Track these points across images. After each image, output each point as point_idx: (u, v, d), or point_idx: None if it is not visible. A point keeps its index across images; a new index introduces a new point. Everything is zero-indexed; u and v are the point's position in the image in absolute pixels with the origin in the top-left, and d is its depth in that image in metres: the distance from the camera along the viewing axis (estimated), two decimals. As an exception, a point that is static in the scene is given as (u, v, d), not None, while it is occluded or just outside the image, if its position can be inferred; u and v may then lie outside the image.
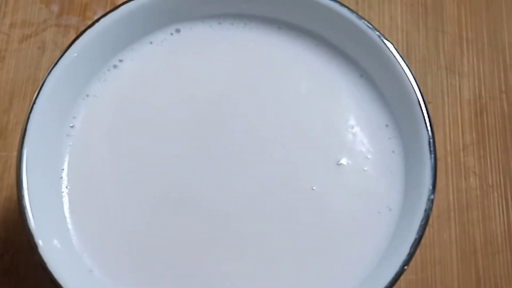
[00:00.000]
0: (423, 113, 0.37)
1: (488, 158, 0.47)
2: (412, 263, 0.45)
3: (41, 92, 0.38)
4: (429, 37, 0.50)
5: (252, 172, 0.39)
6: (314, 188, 0.38)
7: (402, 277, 0.43)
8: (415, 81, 0.38)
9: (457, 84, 0.49)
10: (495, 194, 0.46)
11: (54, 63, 0.38)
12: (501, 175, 0.47)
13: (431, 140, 0.36)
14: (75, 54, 0.38)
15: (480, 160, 0.47)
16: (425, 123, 0.37)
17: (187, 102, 0.40)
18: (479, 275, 0.44)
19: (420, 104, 0.37)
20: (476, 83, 0.49)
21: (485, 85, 0.49)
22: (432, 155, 0.36)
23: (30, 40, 0.51)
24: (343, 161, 0.39)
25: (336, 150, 0.39)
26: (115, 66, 0.41)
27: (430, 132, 0.37)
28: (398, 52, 0.38)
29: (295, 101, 0.40)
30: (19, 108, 0.49)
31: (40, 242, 0.35)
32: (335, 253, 0.37)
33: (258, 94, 0.40)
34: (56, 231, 0.37)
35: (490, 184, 0.47)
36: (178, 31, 0.42)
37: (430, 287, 0.44)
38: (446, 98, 0.49)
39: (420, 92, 0.37)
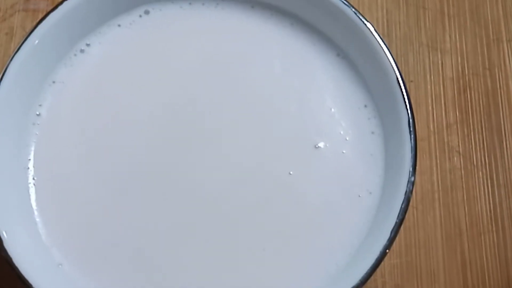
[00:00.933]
0: (402, 92, 0.36)
1: (472, 137, 0.46)
2: (396, 247, 0.44)
3: (4, 79, 0.36)
4: (409, 14, 0.49)
5: (225, 157, 0.37)
6: (291, 172, 0.37)
7: (386, 261, 0.42)
8: (393, 59, 0.36)
9: (440, 62, 0.48)
10: (480, 173, 0.45)
11: (16, 49, 0.37)
12: (486, 154, 0.45)
13: (411, 120, 0.35)
14: (38, 39, 0.37)
15: (464, 139, 0.46)
16: (404, 103, 0.35)
17: (157, 86, 0.39)
18: (465, 257, 0.43)
19: (399, 83, 0.36)
20: (459, 60, 0.48)
21: (468, 61, 0.48)
22: (412, 136, 0.35)
23: (-3, 26, 0.49)
24: (321, 144, 0.37)
25: (313, 133, 0.38)
26: (82, 51, 0.39)
27: (409, 112, 0.35)
28: (375, 29, 0.37)
29: (269, 82, 0.39)
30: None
31: (5, 234, 0.33)
32: (314, 238, 0.36)
33: (230, 75, 0.39)
34: (23, 224, 0.35)
35: (475, 163, 0.45)
36: (147, 12, 0.40)
37: (414, 270, 0.43)
38: (428, 76, 0.47)
39: (399, 71, 0.36)
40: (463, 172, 0.45)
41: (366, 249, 0.34)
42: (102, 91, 0.39)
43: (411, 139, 0.35)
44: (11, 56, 0.37)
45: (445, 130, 0.46)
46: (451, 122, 0.46)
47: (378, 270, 0.42)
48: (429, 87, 0.47)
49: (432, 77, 0.47)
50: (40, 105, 0.38)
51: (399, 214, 0.33)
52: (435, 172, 0.45)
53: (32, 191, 0.37)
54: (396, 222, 0.33)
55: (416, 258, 0.43)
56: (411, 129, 0.35)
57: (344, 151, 0.37)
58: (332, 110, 0.38)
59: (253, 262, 0.36)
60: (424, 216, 0.44)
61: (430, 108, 0.47)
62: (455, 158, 0.45)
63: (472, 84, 0.47)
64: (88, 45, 0.39)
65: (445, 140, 0.46)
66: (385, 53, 0.36)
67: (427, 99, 0.47)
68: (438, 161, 0.45)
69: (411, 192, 0.34)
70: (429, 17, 0.49)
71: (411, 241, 0.44)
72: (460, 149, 0.46)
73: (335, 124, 0.38)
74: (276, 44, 0.40)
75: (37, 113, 0.38)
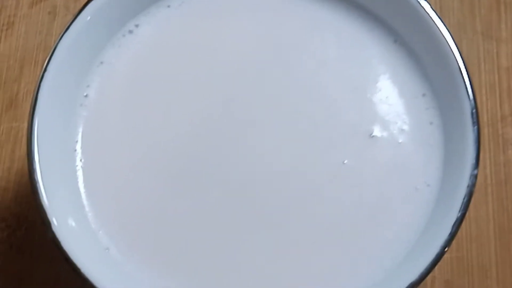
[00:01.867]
0: (464, 81, 0.34)
1: (528, 129, 0.44)
2: (446, 241, 0.42)
3: (52, 59, 0.35)
4: (464, 1, 0.47)
5: (277, 145, 0.36)
6: (345, 162, 0.36)
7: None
8: (456, 45, 0.35)
9: (494, 50, 0.46)
10: (536, 167, 0.44)
11: (65, 28, 0.36)
12: (542, 147, 0.44)
13: (474, 110, 0.34)
14: (88, 18, 0.36)
15: (519, 131, 0.44)
16: (467, 92, 0.34)
17: (206, 69, 0.38)
18: (519, 253, 0.42)
19: (461, 71, 0.34)
20: (515, 49, 0.46)
21: (524, 51, 0.46)
22: (475, 127, 0.33)
23: (40, 5, 0.49)
24: (377, 133, 0.36)
25: (369, 122, 0.36)
26: (130, 31, 0.38)
27: (472, 101, 0.34)
28: (436, 14, 0.35)
29: (323, 69, 0.38)
30: (30, 76, 0.47)
31: (54, 219, 0.33)
32: (368, 232, 0.35)
33: (282, 61, 0.38)
34: (70, 207, 0.35)
35: (530, 157, 0.44)
36: (198, -8, 0.39)
37: (466, 265, 0.42)
38: (482, 65, 0.46)
39: (462, 58, 0.34)
40: (518, 165, 0.44)
41: (424, 244, 0.33)
42: (150, 73, 0.38)
43: (474, 130, 0.33)
44: (61, 34, 0.36)
45: (499, 122, 0.45)
46: (506, 113, 0.45)
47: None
48: (483, 76, 0.46)
49: (486, 67, 0.46)
50: (88, 86, 0.37)
51: (461, 208, 0.32)
52: (489, 165, 0.44)
53: (79, 173, 0.36)
54: (457, 217, 0.32)
55: (468, 253, 0.42)
56: (475, 119, 0.33)
57: (400, 141, 0.36)
58: (388, 98, 0.37)
59: (303, 257, 0.34)
60: (476, 210, 0.43)
61: (484, 98, 0.45)
62: (510, 151, 0.44)
63: (528, 75, 0.45)
64: (137, 25, 0.38)
65: (500, 132, 0.44)
66: (446, 39, 0.35)
67: (480, 89, 0.45)
68: (491, 154, 0.44)
69: (473, 185, 0.32)
70: (484, 4, 0.47)
71: (462, 235, 0.42)
72: (515, 142, 0.44)
73: (392, 113, 0.36)
74: (331, 29, 0.38)
75: (85, 94, 0.37)
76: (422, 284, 0.40)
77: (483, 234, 0.42)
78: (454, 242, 0.42)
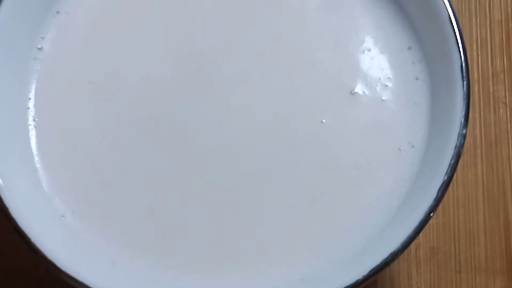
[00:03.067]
0: (454, 32, 0.31)
1: (521, 87, 0.42)
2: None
3: (1, 7, 0.32)
4: None
5: (251, 101, 0.33)
6: (323, 121, 0.33)
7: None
8: (445, -9, 0.32)
9: (487, 2, 0.43)
10: (529, 127, 0.41)
11: (15, -28, 0.32)
12: (536, 107, 0.41)
13: (464, 64, 0.31)
14: (41, -39, 0.33)
15: (511, 89, 0.42)
16: (457, 44, 0.31)
17: (175, 20, 0.35)
18: (508, 219, 0.40)
19: (451, 21, 0.31)
20: (509, 0, 0.43)
21: (519, 3, 0.43)
22: (465, 82, 0.31)
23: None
24: (358, 89, 0.33)
25: (350, 77, 0.34)
26: (90, -22, 0.35)
27: (462, 54, 0.31)
28: (423, -42, 0.32)
29: (301, 19, 0.35)
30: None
31: (1, 182, 0.30)
32: (348, 196, 0.32)
33: (258, 10, 0.35)
34: (21, 170, 0.32)
35: (523, 116, 0.41)
36: None
37: (452, 232, 0.39)
38: (473, 18, 0.43)
39: (451, 6, 0.31)
40: (509, 125, 0.41)
41: (407, 209, 0.31)
42: (111, 24, 0.35)
43: (463, 86, 0.30)
44: (10, -19, 0.32)
45: (490, 79, 0.42)
46: (498, 70, 0.42)
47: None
48: (474, 30, 0.43)
49: (478, 20, 0.43)
50: (42, 38, 0.34)
51: (447, 170, 0.29)
52: (478, 125, 0.41)
53: (32, 133, 0.33)
54: (444, 180, 0.29)
55: (454, 218, 0.40)
56: (464, 74, 0.30)
57: (383, 98, 0.33)
58: (372, 52, 0.34)
59: (280, 221, 0.32)
60: (464, 173, 0.40)
61: (474, 54, 0.42)
62: (501, 110, 0.41)
63: (523, 29, 0.43)
64: (97, -29, 0.35)
65: (490, 90, 0.42)
66: (435, -13, 0.32)
67: (471, 44, 0.43)
68: (481, 113, 0.41)
69: (462, 146, 0.30)
70: (476, -48, 0.44)
71: (448, 200, 0.40)
72: (507, 100, 0.41)
73: (375, 68, 0.34)
74: (309, -25, 0.35)
75: (39, 46, 0.34)
76: (405, 251, 0.38)
77: (471, 199, 0.40)
78: (440, 207, 0.39)
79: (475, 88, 0.42)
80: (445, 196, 0.39)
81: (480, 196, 0.40)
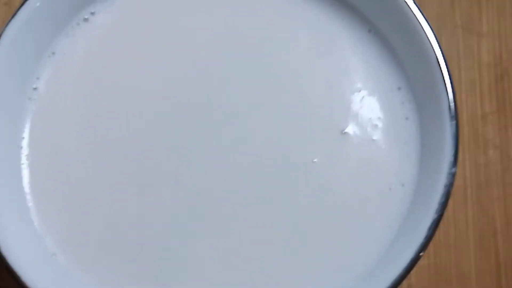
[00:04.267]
0: (442, 72, 0.32)
1: (510, 128, 0.42)
2: (424, 246, 0.40)
3: (-2, 47, 0.32)
4: (443, -7, 0.45)
5: (243, 142, 0.34)
6: (315, 160, 0.33)
7: (412, 262, 0.38)
8: (434, 34, 0.32)
9: (475, 46, 0.44)
10: (518, 169, 0.41)
11: (12, 14, 0.33)
12: (525, 148, 0.42)
13: (452, 103, 0.31)
14: (37, 4, 0.33)
15: (500, 130, 0.42)
16: (445, 84, 0.32)
17: (168, 61, 0.35)
18: (499, 259, 0.40)
19: (439, 62, 0.32)
20: (497, 44, 0.44)
21: (506, 46, 0.44)
22: (453, 122, 0.31)
23: (-5, -5, 0.46)
24: (349, 129, 0.34)
25: (341, 117, 0.34)
26: (85, 20, 0.36)
27: (451, 94, 0.31)
28: (413, 1, 0.33)
29: (293, 60, 0.35)
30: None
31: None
32: (339, 234, 0.32)
33: (250, 51, 0.35)
34: (13, 208, 0.32)
35: (512, 157, 0.42)
36: (158, -21, 0.36)
37: (444, 273, 0.39)
38: (462, 61, 0.44)
39: (440, 48, 0.32)
40: (499, 167, 0.41)
41: (398, 248, 0.31)
42: (106, 65, 0.35)
43: (451, 125, 0.31)
44: (7, 22, 0.33)
45: (479, 121, 0.42)
46: (487, 112, 0.42)
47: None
48: (463, 73, 0.43)
49: (466, 63, 0.44)
50: (37, 78, 0.35)
51: (437, 209, 0.30)
52: (468, 166, 0.41)
53: (25, 172, 0.33)
54: (434, 219, 0.29)
55: (446, 259, 0.40)
56: (452, 114, 0.31)
57: (374, 138, 0.33)
58: (362, 92, 0.34)
59: (270, 259, 0.32)
60: (455, 213, 0.40)
61: (463, 96, 0.43)
62: (491, 152, 0.42)
63: (510, 71, 0.43)
64: (92, 13, 0.36)
65: (480, 131, 0.42)
66: (423, 28, 0.33)
67: (460, 86, 0.43)
68: (471, 154, 0.42)
69: (451, 185, 0.30)
70: (464, -3, 0.45)
71: (440, 240, 0.40)
72: (496, 142, 0.42)
73: (365, 108, 0.34)
74: (302, 20, 0.36)
75: (34, 86, 0.34)
76: (397, 291, 0.38)
77: (462, 239, 0.40)
78: (431, 247, 0.39)
79: (464, 130, 0.42)
80: (437, 236, 0.40)
81: (471, 236, 0.40)
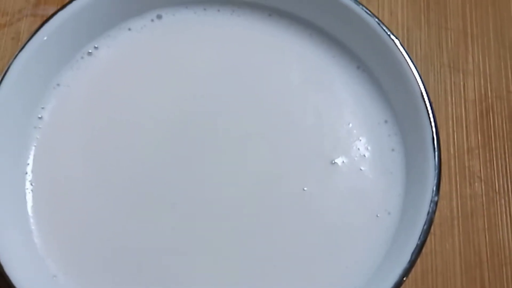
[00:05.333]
0: (426, 106, 0.34)
1: (495, 162, 0.44)
2: (412, 274, 0.41)
3: (5, 78, 0.34)
4: (431, 33, 0.47)
5: (236, 171, 0.35)
6: (305, 188, 0.35)
7: (401, 290, 0.39)
8: (418, 72, 0.34)
9: (462, 83, 0.46)
10: (502, 201, 0.43)
11: (21, 47, 0.35)
12: (509, 181, 0.43)
13: (435, 136, 0.33)
14: (45, 38, 0.35)
15: (486, 164, 0.44)
16: (429, 117, 0.33)
17: (167, 95, 0.37)
18: (485, 288, 0.41)
19: (423, 97, 0.34)
20: (482, 82, 0.46)
21: (491, 84, 0.46)
22: (436, 153, 0.33)
23: (3, 30, 0.48)
24: (338, 160, 0.35)
25: (330, 148, 0.36)
26: (89, 54, 0.38)
27: (433, 127, 0.33)
28: (398, 40, 0.35)
29: (286, 94, 0.37)
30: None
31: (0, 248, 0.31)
32: (328, 260, 0.33)
33: (245, 86, 0.37)
34: (17, 231, 0.33)
35: (497, 190, 0.43)
36: (159, 17, 0.38)
37: (431, 300, 0.41)
38: (449, 97, 0.45)
39: (423, 84, 0.34)
40: (484, 198, 0.43)
41: (384, 272, 0.32)
42: (108, 97, 0.37)
43: (435, 157, 0.32)
44: (15, 55, 0.35)
45: (466, 155, 0.44)
46: (473, 146, 0.44)
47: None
48: (450, 109, 0.45)
49: (453, 99, 0.45)
50: (42, 108, 0.36)
51: (420, 235, 0.31)
52: (455, 197, 0.43)
53: (29, 197, 0.34)
54: (417, 244, 0.31)
55: (433, 287, 0.41)
56: (436, 146, 0.33)
57: (362, 168, 0.35)
58: (351, 125, 0.36)
59: (262, 283, 0.33)
60: (442, 242, 0.42)
61: (450, 131, 0.45)
62: (476, 184, 0.43)
63: (495, 107, 0.45)
64: (96, 48, 0.38)
65: (466, 164, 0.44)
66: (409, 65, 0.34)
67: (447, 121, 0.45)
68: (458, 187, 0.43)
69: (434, 212, 0.31)
70: (451, 37, 0.47)
71: (427, 268, 0.41)
72: (482, 175, 0.43)
73: (353, 139, 0.36)
74: (294, 55, 0.38)
75: (39, 116, 0.36)
76: (386, 319, 0.39)
77: (449, 268, 0.41)
78: (419, 275, 0.41)
79: (451, 163, 0.44)
80: (424, 265, 0.41)
81: (457, 265, 0.41)
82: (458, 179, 0.43)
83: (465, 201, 0.43)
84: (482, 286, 0.41)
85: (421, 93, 0.34)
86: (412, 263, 0.31)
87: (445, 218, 0.42)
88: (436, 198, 0.32)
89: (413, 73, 0.34)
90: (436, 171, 0.32)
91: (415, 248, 0.31)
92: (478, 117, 0.45)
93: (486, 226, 0.42)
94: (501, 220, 0.42)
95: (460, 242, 0.42)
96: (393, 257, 0.32)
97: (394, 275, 0.30)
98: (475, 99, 0.45)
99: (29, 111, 0.36)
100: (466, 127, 0.45)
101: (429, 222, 0.31)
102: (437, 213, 0.42)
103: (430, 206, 0.31)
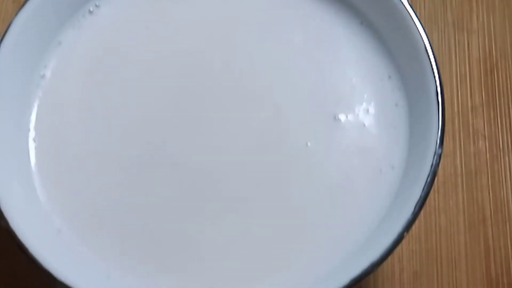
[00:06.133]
0: (430, 60, 0.33)
1: (499, 120, 0.44)
2: (415, 232, 0.41)
3: (6, 37, 0.34)
4: (435, -8, 0.47)
5: (240, 127, 0.35)
6: (308, 144, 0.34)
7: (404, 247, 0.40)
8: (422, 25, 0.34)
9: (466, 42, 0.46)
10: (506, 158, 0.43)
11: (21, 6, 0.35)
12: (513, 138, 0.43)
13: (439, 89, 0.33)
14: (45, -4, 0.35)
15: (490, 122, 0.44)
16: (433, 71, 0.33)
17: (169, 52, 0.37)
18: (489, 245, 0.41)
19: (427, 51, 0.33)
20: (486, 40, 0.45)
21: (495, 42, 0.45)
22: (440, 106, 0.32)
23: (4, -7, 0.48)
24: (341, 116, 0.35)
25: (333, 104, 0.35)
26: (90, 12, 0.37)
27: (437, 81, 0.33)
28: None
29: (288, 51, 0.37)
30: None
31: (5, 203, 0.31)
32: (332, 214, 0.33)
33: (246, 43, 0.37)
34: (21, 188, 0.33)
35: (501, 147, 0.43)
36: (161, -27, 0.38)
37: (434, 257, 0.41)
38: (453, 56, 0.45)
39: (428, 38, 0.34)
40: (488, 156, 0.43)
41: (387, 225, 0.32)
42: (110, 54, 0.37)
43: (439, 110, 0.32)
44: (16, 13, 0.35)
45: (470, 113, 0.44)
46: (477, 104, 0.44)
47: (395, 255, 0.40)
48: (454, 67, 0.45)
49: (457, 58, 0.45)
50: (44, 66, 0.36)
51: (424, 187, 0.31)
52: (459, 155, 0.43)
53: (32, 154, 0.34)
54: (420, 196, 0.31)
55: (437, 244, 0.41)
56: (439, 99, 0.32)
57: (365, 124, 0.35)
58: (354, 81, 0.36)
59: (264, 239, 0.33)
60: (446, 200, 0.42)
61: (454, 89, 0.44)
62: (480, 142, 0.43)
63: (499, 65, 0.45)
64: (97, 6, 0.37)
65: (470, 122, 0.44)
66: (412, 19, 0.34)
67: (451, 80, 0.45)
68: (462, 144, 0.43)
69: (437, 165, 0.31)
70: (455, -5, 0.47)
71: (431, 226, 0.41)
72: (486, 132, 0.43)
73: (357, 95, 0.36)
74: (296, 12, 0.37)
75: (41, 74, 0.36)
76: (390, 275, 0.39)
77: (452, 226, 0.41)
78: (422, 233, 0.41)
79: (455, 121, 0.43)
80: (428, 223, 0.41)
81: (461, 222, 0.41)
82: (462, 137, 0.43)
83: (469, 159, 0.43)
84: (485, 243, 0.41)
85: (425, 47, 0.33)
86: (415, 215, 0.30)
87: (448, 176, 0.42)
88: (440, 151, 0.31)
89: (417, 27, 0.34)
90: (440, 124, 0.32)
91: (419, 200, 0.31)
92: (482, 75, 0.45)
93: (489, 184, 0.42)
94: (505, 177, 0.42)
95: (464, 199, 0.42)
96: (397, 210, 0.32)
97: (397, 227, 0.30)
98: (479, 58, 0.45)
99: (31, 69, 0.36)
100: (470, 85, 0.45)
101: (433, 175, 0.31)
102: (440, 171, 0.42)
103: (434, 158, 0.31)
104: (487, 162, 0.43)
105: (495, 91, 0.44)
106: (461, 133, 0.43)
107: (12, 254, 0.40)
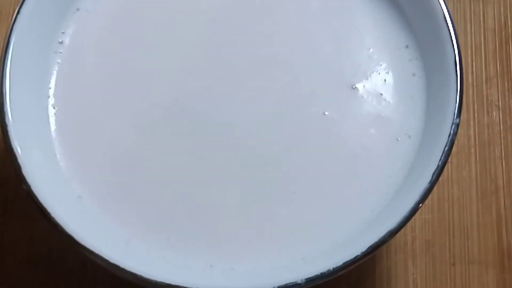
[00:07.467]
0: (448, 29, 0.33)
1: (513, 91, 0.44)
2: (428, 201, 0.41)
3: (25, 4, 0.34)
4: (451, -38, 0.46)
5: (257, 95, 0.35)
6: (326, 113, 0.35)
7: (417, 216, 0.40)
8: (440, -6, 0.34)
9: (481, 12, 0.45)
10: (520, 129, 0.43)
11: (39, -27, 0.35)
12: (527, 110, 0.43)
13: (457, 58, 0.33)
14: (64, -39, 0.35)
15: (504, 93, 0.44)
16: (451, 40, 0.33)
17: (187, 16, 0.37)
18: (501, 215, 0.41)
19: (445, 19, 0.33)
20: (502, 10, 0.45)
21: (511, 13, 0.45)
22: (459, 76, 0.33)
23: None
24: (358, 85, 0.35)
25: (351, 73, 0.36)
26: (108, -21, 0.37)
27: (456, 49, 0.33)
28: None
29: (305, 20, 0.37)
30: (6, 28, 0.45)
31: (26, 169, 0.31)
32: (349, 183, 0.34)
33: (264, 11, 0.37)
34: (42, 154, 0.33)
35: (515, 118, 0.43)
36: None
37: (447, 226, 0.41)
38: (468, 26, 0.45)
39: (446, 6, 0.34)
40: (501, 127, 0.43)
41: (404, 193, 0.32)
42: (127, 21, 0.37)
43: (457, 80, 0.32)
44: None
45: (484, 83, 0.44)
46: (491, 75, 0.44)
47: (408, 224, 0.40)
48: (469, 38, 0.45)
49: (472, 28, 0.45)
50: (63, 33, 0.36)
51: (442, 156, 0.31)
52: (472, 126, 0.43)
53: (52, 120, 0.35)
54: (438, 165, 0.31)
55: (449, 214, 0.41)
56: (458, 68, 0.33)
57: (382, 93, 0.35)
58: (371, 50, 0.36)
59: (283, 206, 0.34)
60: (459, 171, 0.42)
61: (469, 60, 0.44)
62: (494, 113, 0.43)
63: (514, 37, 0.45)
64: (115, -27, 0.37)
65: (484, 93, 0.44)
66: (431, -12, 0.34)
67: (466, 50, 0.45)
68: (475, 115, 0.43)
69: (455, 134, 0.32)
70: (471, -35, 0.46)
71: (444, 196, 0.42)
72: (500, 104, 0.43)
73: (374, 65, 0.36)
74: (314, -19, 0.37)
75: (60, 40, 0.36)
76: (402, 243, 0.40)
77: (465, 196, 0.42)
78: (435, 203, 0.41)
79: (469, 92, 0.44)
80: (441, 193, 0.41)
81: (473, 193, 0.42)
82: (476, 107, 0.43)
83: (483, 130, 0.43)
84: (497, 213, 0.41)
85: (444, 16, 0.33)
86: (433, 184, 0.31)
87: (462, 146, 0.42)
88: (457, 120, 0.32)
89: (436, -4, 0.34)
90: (458, 94, 0.32)
91: (436, 169, 0.31)
92: (498, 46, 0.45)
93: (503, 155, 0.43)
94: (518, 148, 0.43)
95: (477, 170, 0.42)
96: (414, 179, 0.32)
97: (414, 196, 0.31)
98: (495, 28, 0.45)
99: (50, 36, 0.36)
100: (485, 56, 0.45)
101: (450, 144, 0.31)
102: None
103: (451, 127, 0.32)
104: (500, 133, 0.43)
105: (510, 62, 0.44)
106: (475, 104, 0.43)
107: (29, 220, 0.41)
